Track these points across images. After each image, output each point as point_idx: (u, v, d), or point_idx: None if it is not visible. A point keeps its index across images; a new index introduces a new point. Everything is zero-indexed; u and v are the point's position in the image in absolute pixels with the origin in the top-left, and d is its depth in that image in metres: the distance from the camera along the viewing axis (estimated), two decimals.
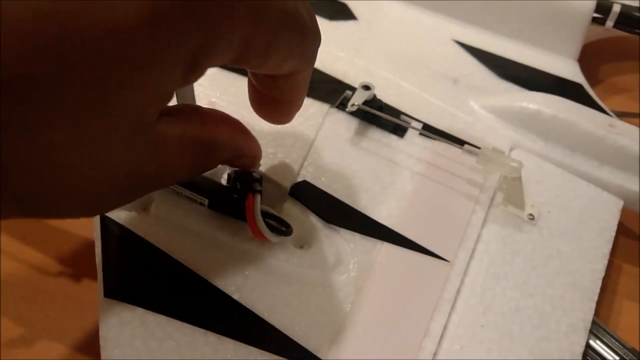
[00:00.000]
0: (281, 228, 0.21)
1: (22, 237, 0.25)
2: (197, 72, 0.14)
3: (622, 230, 0.29)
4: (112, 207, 0.15)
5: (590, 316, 0.22)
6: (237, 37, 0.14)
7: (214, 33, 0.13)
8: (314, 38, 0.17)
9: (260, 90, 0.19)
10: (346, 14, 0.32)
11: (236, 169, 0.21)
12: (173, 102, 0.15)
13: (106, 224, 0.21)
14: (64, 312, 0.23)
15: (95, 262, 0.20)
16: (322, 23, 0.30)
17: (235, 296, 0.20)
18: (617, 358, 0.22)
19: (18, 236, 0.26)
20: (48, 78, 0.11)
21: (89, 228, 0.21)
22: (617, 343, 0.23)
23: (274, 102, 0.19)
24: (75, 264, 0.24)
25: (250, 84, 0.19)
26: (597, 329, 0.23)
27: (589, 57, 0.36)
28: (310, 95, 0.26)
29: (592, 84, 0.37)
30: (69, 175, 0.13)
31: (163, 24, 0.12)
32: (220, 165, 0.22)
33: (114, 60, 0.12)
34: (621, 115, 0.33)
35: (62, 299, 0.24)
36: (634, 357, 0.22)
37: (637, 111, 0.36)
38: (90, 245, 0.21)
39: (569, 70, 0.31)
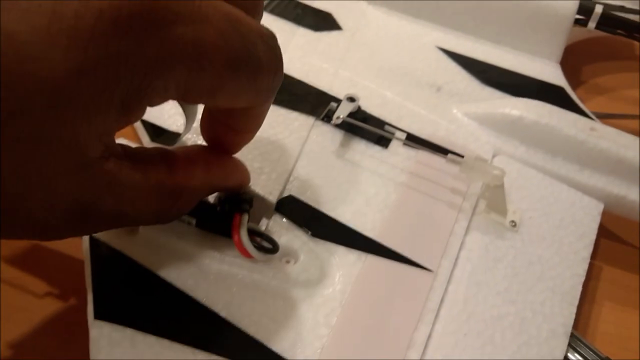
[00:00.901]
0: (268, 246, 0.21)
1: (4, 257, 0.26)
2: (132, 114, 0.15)
3: (603, 232, 0.29)
4: (65, 235, 0.16)
5: (570, 321, 0.22)
6: (173, 83, 0.14)
7: (145, 81, 0.14)
8: (272, 76, 0.17)
9: (214, 115, 0.19)
10: (331, 24, 0.32)
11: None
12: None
13: (95, 245, 0.21)
14: (49, 332, 0.24)
15: (83, 282, 0.20)
16: (308, 34, 0.31)
17: (223, 314, 0.20)
18: None
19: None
20: None
21: (75, 246, 0.22)
22: (592, 353, 0.23)
23: (226, 128, 0.19)
24: (60, 283, 0.24)
25: (205, 108, 0.19)
26: (572, 339, 0.23)
27: (571, 58, 0.36)
28: (295, 108, 0.27)
29: (575, 85, 0.37)
30: (14, 201, 0.14)
31: (89, 75, 0.13)
32: None
33: (46, 106, 0.13)
34: (604, 116, 0.33)
35: (47, 319, 0.24)
36: None
37: (619, 112, 0.36)
38: (75, 263, 0.21)
39: (551, 73, 0.31)
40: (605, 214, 0.26)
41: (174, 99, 0.15)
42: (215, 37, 0.15)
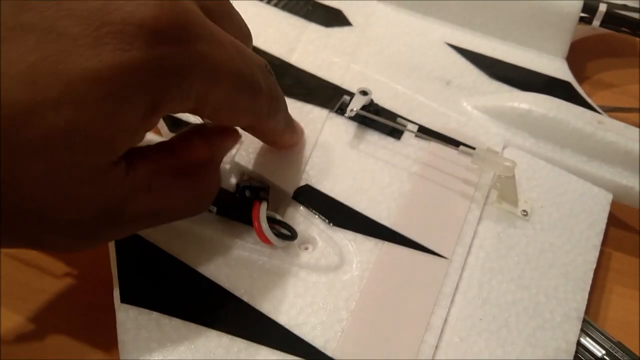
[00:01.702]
0: (286, 233, 0.22)
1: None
2: (156, 115, 0.16)
3: (613, 221, 0.30)
4: (103, 239, 0.18)
5: (583, 305, 0.23)
6: (193, 91, 0.16)
7: (173, 83, 0.16)
8: (270, 101, 0.20)
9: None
10: (341, 20, 0.32)
11: (244, 178, 0.23)
12: None
13: None
14: (67, 312, 0.24)
15: (100, 263, 0.21)
16: (319, 30, 0.31)
17: (245, 298, 0.21)
18: (604, 352, 0.23)
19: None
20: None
21: None
22: (604, 337, 0.23)
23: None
24: (78, 264, 0.25)
25: None
26: (585, 324, 0.24)
27: (577, 54, 0.37)
28: (309, 101, 0.27)
29: (580, 80, 0.38)
30: (50, 210, 0.15)
31: (131, 72, 0.15)
32: (228, 174, 0.23)
33: (94, 97, 0.14)
34: (609, 110, 0.34)
35: (65, 299, 0.25)
36: (620, 351, 0.23)
37: (624, 106, 0.37)
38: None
39: (558, 68, 0.32)
40: (613, 203, 0.27)
41: (191, 108, 0.17)
42: (226, 58, 0.17)
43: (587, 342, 0.23)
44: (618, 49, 0.40)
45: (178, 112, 0.17)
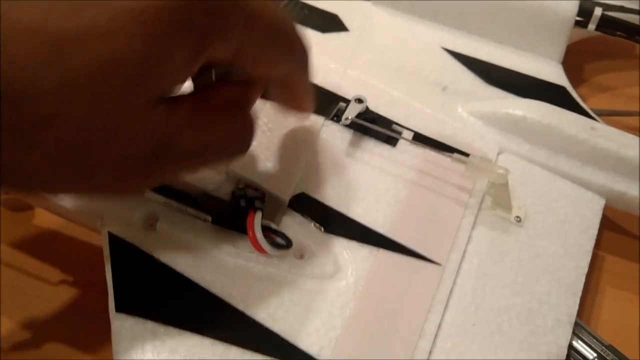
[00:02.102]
0: (281, 242, 0.22)
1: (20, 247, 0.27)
2: (200, 56, 0.16)
3: (607, 224, 0.30)
4: (157, 178, 0.18)
5: (574, 311, 0.23)
6: (238, 33, 0.17)
7: (220, 23, 0.16)
8: (304, 51, 0.20)
9: (274, 97, 0.23)
10: (338, 25, 0.33)
11: (240, 187, 0.23)
12: None
13: (114, 242, 0.22)
14: (70, 317, 0.25)
15: (95, 271, 0.21)
16: (315, 35, 0.32)
17: (240, 306, 0.21)
18: (595, 355, 0.23)
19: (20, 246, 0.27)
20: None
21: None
22: (595, 340, 0.24)
23: (287, 101, 0.23)
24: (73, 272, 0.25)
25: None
26: (577, 328, 0.24)
27: (573, 57, 0.37)
28: None
29: (577, 83, 0.38)
30: (97, 145, 0.15)
31: (181, 12, 0.15)
32: (224, 183, 0.23)
33: (150, 35, 0.14)
34: (605, 114, 0.34)
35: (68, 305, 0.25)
36: (611, 354, 0.23)
37: (620, 109, 0.37)
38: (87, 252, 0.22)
39: (553, 73, 0.32)
40: (607, 208, 0.27)
41: (231, 54, 0.17)
42: (262, 8, 0.17)
43: (579, 344, 0.24)
44: (616, 52, 0.40)
45: (220, 60, 0.17)
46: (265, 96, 0.24)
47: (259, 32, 0.17)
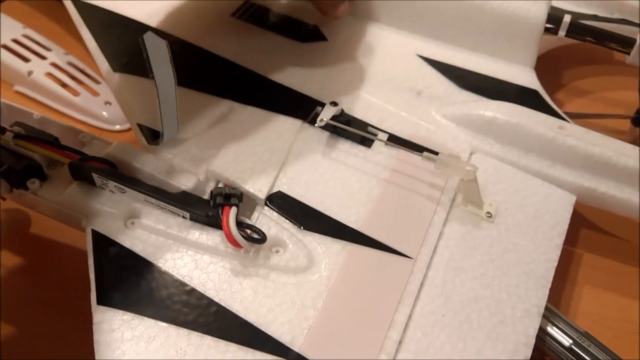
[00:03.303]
0: (256, 237, 0.23)
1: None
2: None
3: (583, 222, 0.31)
4: None
5: (543, 302, 0.24)
6: None
7: None
8: None
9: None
10: (317, 35, 0.34)
11: (219, 186, 0.24)
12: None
13: (97, 238, 0.23)
14: (59, 319, 0.25)
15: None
16: (295, 45, 0.33)
17: (216, 299, 0.22)
18: (571, 341, 0.24)
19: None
20: None
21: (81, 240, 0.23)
22: (571, 328, 0.25)
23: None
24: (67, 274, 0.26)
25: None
26: (553, 316, 0.25)
27: (551, 64, 0.38)
28: (284, 112, 0.29)
29: (555, 88, 0.39)
30: None
31: None
32: (204, 183, 0.24)
33: None
34: (580, 117, 0.35)
35: (57, 307, 0.26)
36: (587, 340, 0.24)
37: (597, 112, 0.38)
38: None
39: (526, 78, 0.33)
40: (584, 207, 0.28)
41: None
42: None
43: (556, 332, 0.24)
44: (594, 57, 0.41)
45: None
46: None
47: None
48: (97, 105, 0.35)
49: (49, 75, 0.36)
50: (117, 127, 0.35)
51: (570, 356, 0.24)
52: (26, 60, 0.36)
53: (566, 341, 0.24)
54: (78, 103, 0.35)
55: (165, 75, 0.23)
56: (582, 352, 0.24)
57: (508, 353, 0.22)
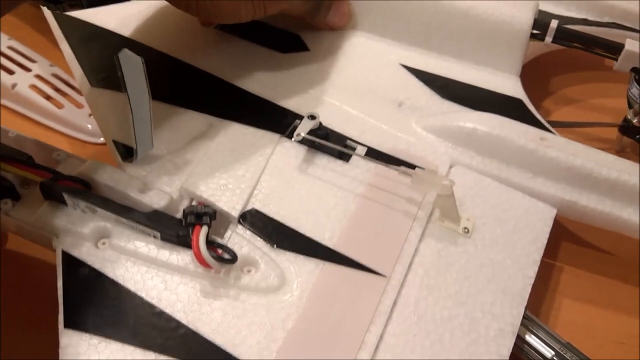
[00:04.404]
0: (226, 257, 0.23)
1: None
2: None
3: (565, 234, 0.31)
4: None
5: (518, 321, 0.24)
6: None
7: None
8: None
9: None
10: (299, 45, 0.34)
11: (192, 204, 0.24)
12: None
13: (67, 259, 0.23)
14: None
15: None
16: (276, 56, 0.33)
17: (184, 321, 0.22)
18: (553, 353, 0.24)
19: None
20: None
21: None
22: (553, 339, 0.24)
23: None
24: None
25: None
26: (534, 326, 0.25)
27: (538, 71, 0.38)
28: (262, 126, 0.29)
29: (543, 96, 0.39)
30: None
31: None
32: (177, 201, 0.24)
33: None
34: (563, 125, 0.34)
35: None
36: (569, 351, 0.24)
37: (586, 120, 0.37)
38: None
39: (511, 86, 0.33)
40: (566, 219, 0.28)
41: None
42: None
43: (537, 343, 0.24)
44: (582, 64, 0.40)
45: None
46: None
47: None
48: (81, 118, 0.35)
49: (33, 87, 0.36)
50: (101, 139, 0.35)
51: None
52: (10, 72, 0.36)
53: (548, 352, 0.24)
54: (62, 115, 0.35)
55: (140, 91, 0.23)
56: None
57: None
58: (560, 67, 0.40)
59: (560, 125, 0.33)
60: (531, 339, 0.24)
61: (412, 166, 0.27)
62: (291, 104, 0.30)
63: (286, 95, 0.30)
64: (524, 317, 0.24)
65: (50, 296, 0.23)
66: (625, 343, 0.27)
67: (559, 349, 0.24)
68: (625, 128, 0.34)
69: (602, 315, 0.28)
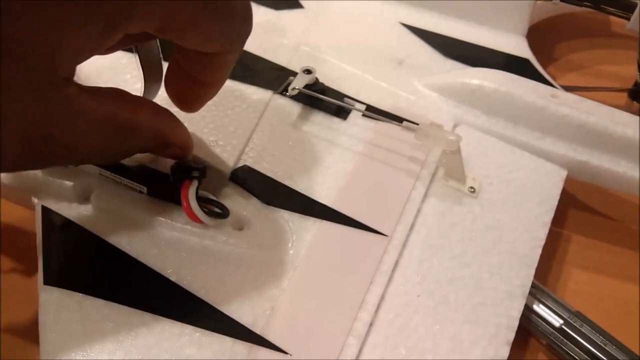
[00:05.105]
0: (217, 211, 0.21)
1: None
2: (112, 34, 0.15)
3: (572, 202, 0.29)
4: (19, 166, 0.16)
5: (528, 282, 0.22)
6: (157, 9, 0.15)
7: (129, 5, 0.15)
8: (242, 23, 0.18)
9: (180, 65, 0.20)
10: (292, 3, 0.32)
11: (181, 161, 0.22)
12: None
13: (47, 215, 0.21)
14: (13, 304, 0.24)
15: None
16: (268, 13, 0.31)
17: (172, 277, 0.20)
18: (562, 321, 0.23)
19: None
20: None
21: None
22: (562, 308, 0.23)
23: (191, 81, 0.20)
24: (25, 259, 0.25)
25: (173, 57, 0.20)
26: (543, 295, 0.23)
27: (543, 35, 0.36)
28: (253, 82, 0.27)
29: (547, 62, 0.37)
30: None
31: None
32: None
33: (38, 10, 0.13)
34: (570, 89, 0.33)
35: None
36: (578, 320, 0.23)
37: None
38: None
39: (516, 46, 0.31)
40: (574, 185, 0.26)
41: (154, 28, 0.16)
42: None
43: (545, 312, 0.23)
44: (588, 29, 0.39)
45: (143, 30, 0.16)
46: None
47: (186, 7, 0.16)
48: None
49: None
50: None
51: (561, 337, 0.22)
52: None
53: (556, 321, 0.23)
54: None
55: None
56: (574, 333, 0.22)
57: (488, 336, 0.20)
58: (565, 33, 0.39)
59: (569, 90, 0.31)
60: (539, 308, 0.23)
61: (411, 121, 0.25)
62: (283, 60, 0.28)
63: (278, 51, 0.29)
64: (531, 286, 0.22)
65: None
66: (634, 312, 0.26)
67: (568, 317, 0.23)
68: (636, 93, 0.32)
69: (610, 285, 0.27)
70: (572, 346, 0.22)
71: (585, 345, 0.22)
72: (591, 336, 0.22)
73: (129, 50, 0.21)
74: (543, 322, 0.23)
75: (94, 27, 0.15)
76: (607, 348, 0.22)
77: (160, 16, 0.16)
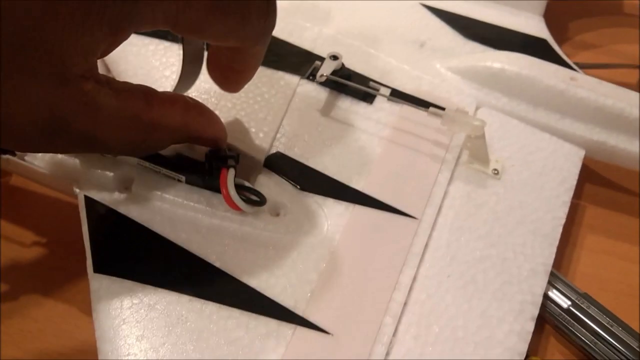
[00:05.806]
0: (255, 199, 0.22)
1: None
2: (119, 35, 0.16)
3: (591, 177, 0.30)
4: (39, 149, 0.18)
5: (550, 260, 0.23)
6: (160, 13, 0.16)
7: (135, 7, 0.15)
8: (260, 20, 0.18)
9: (215, 53, 0.20)
10: None
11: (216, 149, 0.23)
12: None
13: (91, 204, 0.22)
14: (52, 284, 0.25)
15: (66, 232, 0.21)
16: None
17: (217, 264, 0.21)
18: (570, 303, 0.24)
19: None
20: None
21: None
22: (570, 289, 0.24)
23: (227, 67, 0.21)
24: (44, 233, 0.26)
25: (211, 46, 0.21)
26: (552, 277, 0.24)
27: (557, 15, 0.36)
28: (280, 67, 0.27)
29: (562, 41, 0.37)
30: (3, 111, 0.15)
31: None
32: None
33: (40, 12, 0.14)
34: (584, 67, 0.34)
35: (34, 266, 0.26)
36: (586, 302, 0.24)
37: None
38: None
39: (534, 26, 0.32)
40: (590, 159, 0.27)
41: (164, 27, 0.16)
42: None
43: (554, 293, 0.24)
44: (602, 8, 0.39)
45: (152, 29, 0.16)
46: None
47: (191, 10, 0.16)
48: None
49: None
50: None
51: (568, 318, 0.23)
52: None
53: (564, 303, 0.24)
54: None
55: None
56: (581, 314, 0.23)
57: (514, 312, 0.22)
58: (579, 13, 0.39)
59: (582, 67, 0.32)
60: (547, 289, 0.24)
61: (438, 107, 0.26)
62: (308, 44, 0.29)
63: (302, 35, 0.29)
64: None
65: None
66: None
67: (576, 298, 0.23)
68: None
69: (618, 268, 0.28)
70: (579, 327, 0.23)
71: (591, 326, 0.23)
72: (598, 317, 0.23)
73: (158, 36, 0.21)
74: (551, 304, 0.24)
75: (99, 31, 0.15)
76: (613, 329, 0.23)
77: (164, 19, 0.16)
